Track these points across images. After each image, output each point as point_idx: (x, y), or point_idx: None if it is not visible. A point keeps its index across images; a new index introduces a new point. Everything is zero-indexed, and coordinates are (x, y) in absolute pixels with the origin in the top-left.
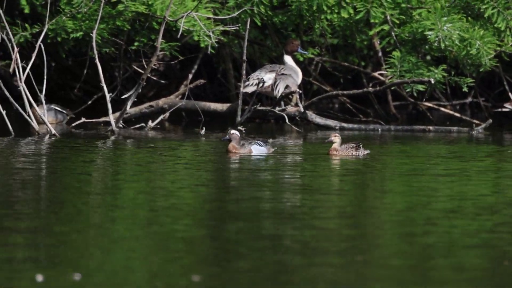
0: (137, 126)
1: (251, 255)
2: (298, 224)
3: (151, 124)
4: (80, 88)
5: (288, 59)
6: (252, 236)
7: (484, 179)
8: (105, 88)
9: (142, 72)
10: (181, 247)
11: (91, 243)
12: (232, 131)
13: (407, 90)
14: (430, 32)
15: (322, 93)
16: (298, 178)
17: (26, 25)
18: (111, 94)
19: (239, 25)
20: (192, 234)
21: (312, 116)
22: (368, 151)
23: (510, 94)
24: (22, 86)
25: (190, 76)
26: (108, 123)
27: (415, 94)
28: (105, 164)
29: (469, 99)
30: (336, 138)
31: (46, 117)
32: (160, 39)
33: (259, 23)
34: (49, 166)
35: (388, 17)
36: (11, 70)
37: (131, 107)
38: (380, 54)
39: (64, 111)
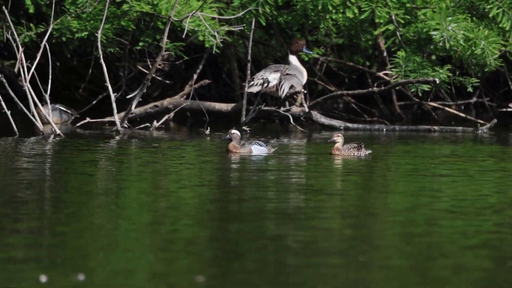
0: (142, 126)
1: (254, 256)
2: (300, 225)
3: (156, 124)
4: (85, 88)
5: (293, 59)
6: (255, 236)
7: (488, 179)
8: (110, 88)
9: (147, 72)
10: (184, 248)
11: (95, 244)
12: (233, 131)
13: (412, 90)
14: (435, 32)
15: (327, 93)
16: (300, 178)
17: (31, 25)
18: (116, 94)
19: (244, 25)
20: (195, 234)
21: (317, 116)
22: (369, 151)
23: None
24: (27, 86)
25: (195, 76)
26: (113, 123)
27: (420, 94)
28: (109, 164)
29: (474, 99)
30: (338, 138)
31: (51, 117)
32: (165, 39)
33: (264, 23)
34: (53, 166)
35: (393, 17)
36: (16, 70)
37: (136, 107)
38: (385, 54)
39: (69, 111)
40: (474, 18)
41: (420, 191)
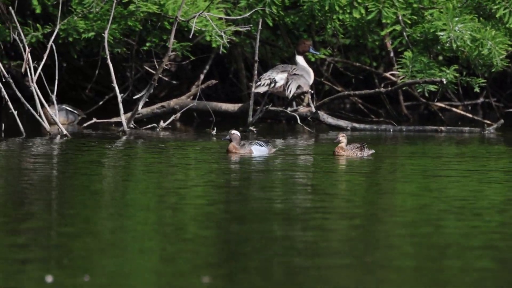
0: (149, 126)
1: (260, 256)
2: (306, 225)
3: (162, 124)
4: (91, 89)
5: (300, 59)
6: (261, 237)
7: (495, 179)
8: (116, 88)
9: (154, 72)
10: (190, 248)
11: (100, 244)
12: (233, 132)
13: (419, 91)
14: (442, 33)
15: (334, 94)
16: (304, 178)
17: (38, 25)
18: (122, 94)
19: (251, 25)
20: (201, 235)
21: (323, 116)
22: (372, 151)
23: None
24: (34, 87)
25: (202, 76)
26: (119, 124)
27: (427, 95)
28: (116, 164)
29: (481, 100)
30: (343, 138)
31: (57, 118)
32: (172, 40)
33: (270, 24)
34: (60, 167)
35: (400, 17)
36: (22, 70)
37: (142, 107)
38: (392, 54)
39: (75, 112)
40: (481, 18)
41: (427, 192)
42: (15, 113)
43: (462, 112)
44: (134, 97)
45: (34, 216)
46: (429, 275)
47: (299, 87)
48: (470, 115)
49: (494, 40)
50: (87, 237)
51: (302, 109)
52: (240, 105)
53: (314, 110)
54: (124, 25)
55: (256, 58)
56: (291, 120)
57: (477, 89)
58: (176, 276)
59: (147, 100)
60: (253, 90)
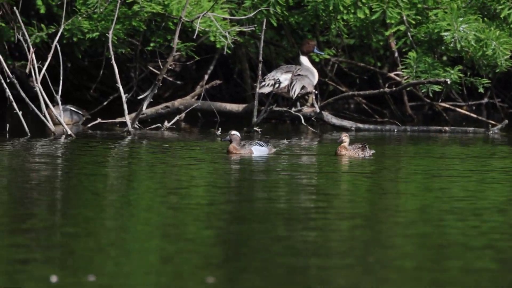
0: (153, 126)
1: (265, 257)
2: (309, 226)
3: (167, 124)
4: (96, 89)
5: (304, 59)
6: (265, 237)
7: (499, 179)
8: (121, 88)
9: (158, 72)
10: (193, 248)
11: (105, 245)
12: (233, 132)
13: (423, 91)
14: (446, 33)
15: (338, 94)
16: (307, 179)
17: (42, 25)
18: (127, 94)
19: (255, 25)
20: (203, 235)
21: (328, 116)
22: (373, 151)
23: None
24: (38, 87)
25: (206, 76)
26: (124, 124)
27: (431, 95)
28: (120, 165)
29: (485, 100)
30: (346, 138)
31: (62, 118)
32: (176, 40)
33: (275, 24)
34: (65, 167)
35: (404, 18)
36: (27, 70)
37: (147, 107)
38: (396, 54)
39: (80, 112)
40: (485, 18)
41: (429, 192)
42: (20, 113)
43: (467, 113)
44: (139, 97)
45: (38, 216)
46: (430, 275)
47: (303, 87)
48: (474, 116)
49: (498, 40)
50: (91, 237)
51: (306, 110)
52: (244, 105)
53: (318, 110)
54: (128, 25)
55: (260, 58)
56: (295, 121)
57: (481, 90)
58: (178, 276)
59: (151, 100)
60: (258, 90)
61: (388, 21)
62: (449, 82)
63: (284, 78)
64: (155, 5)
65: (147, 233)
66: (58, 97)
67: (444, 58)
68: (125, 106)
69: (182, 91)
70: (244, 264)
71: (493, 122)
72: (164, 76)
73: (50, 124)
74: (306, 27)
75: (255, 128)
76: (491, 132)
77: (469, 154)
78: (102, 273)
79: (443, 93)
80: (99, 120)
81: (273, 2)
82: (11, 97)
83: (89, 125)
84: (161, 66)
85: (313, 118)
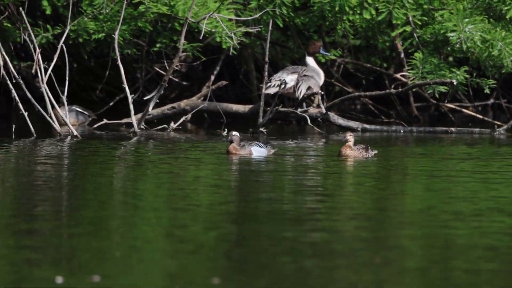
0: (159, 127)
1: (270, 258)
2: (315, 226)
3: (173, 125)
4: (102, 90)
5: (310, 60)
6: (271, 238)
7: (505, 180)
8: (127, 89)
9: (164, 73)
10: (200, 250)
11: (110, 245)
12: (234, 133)
13: (429, 92)
14: (452, 34)
15: (344, 95)
16: (312, 179)
17: (48, 26)
18: (133, 95)
19: (261, 26)
20: (210, 236)
21: (334, 117)
22: (375, 151)
23: None
24: (44, 87)
25: (212, 77)
26: (130, 125)
27: (437, 96)
28: (126, 165)
29: (491, 101)
30: (351, 137)
31: (68, 119)
32: (182, 40)
33: (281, 24)
34: (70, 168)
35: (410, 18)
36: (33, 71)
37: (153, 108)
38: (402, 55)
39: (86, 113)
40: (491, 19)
41: (434, 193)
42: (26, 114)
43: (472, 113)
44: (145, 98)
45: (44, 217)
46: (435, 275)
47: (309, 88)
48: (480, 116)
49: (504, 41)
50: (95, 238)
51: (312, 110)
52: (250, 106)
53: (324, 111)
54: (134, 26)
55: (266, 59)
56: (301, 121)
57: (487, 90)
58: (183, 277)
59: (157, 101)
60: (263, 91)
61: (394, 22)
62: (455, 83)
63: (290, 79)
64: (161, 5)
65: (152, 234)
66: (64, 98)
67: (450, 59)
68: (131, 107)
69: (188, 92)
70: (249, 265)
71: (499, 123)
72: (170, 77)
73: (56, 125)
74: (312, 28)
75: (261, 129)
76: (497, 132)
77: (475, 155)
78: (107, 274)
79: (449, 94)
80: (105, 121)
81: (279, 3)
82: (17, 97)
83: (95, 126)
84: (167, 67)
85: (319, 119)
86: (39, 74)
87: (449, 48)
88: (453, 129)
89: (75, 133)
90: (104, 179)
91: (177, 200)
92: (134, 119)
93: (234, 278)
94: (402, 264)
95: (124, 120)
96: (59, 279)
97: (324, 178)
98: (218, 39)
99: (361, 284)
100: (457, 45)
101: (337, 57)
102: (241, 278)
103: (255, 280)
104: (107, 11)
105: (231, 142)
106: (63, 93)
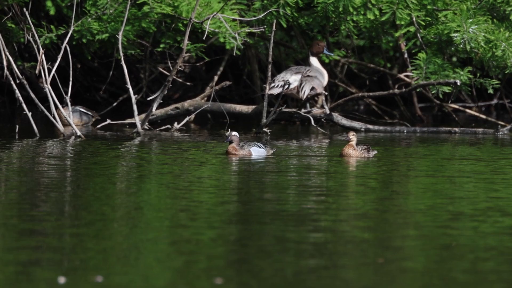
0: (163, 128)
1: (273, 258)
2: (318, 227)
3: (176, 126)
4: (105, 90)
5: (313, 60)
6: (273, 238)
7: (506, 180)
8: (130, 89)
9: (168, 73)
10: (202, 249)
11: (113, 246)
12: (233, 133)
13: (433, 92)
14: (455, 34)
15: (348, 95)
16: (315, 180)
17: (52, 26)
18: (136, 95)
19: (265, 26)
20: (214, 236)
21: (337, 118)
22: (375, 152)
23: None
24: (48, 88)
25: (216, 78)
26: (133, 125)
27: (441, 96)
28: (129, 166)
29: (495, 101)
30: (353, 137)
31: (71, 119)
32: (186, 41)
33: (284, 25)
34: (74, 168)
35: (414, 19)
36: (36, 71)
37: (156, 109)
38: (406, 55)
39: (89, 113)
40: (494, 20)
41: (438, 193)
42: (29, 114)
43: (476, 114)
44: (148, 99)
45: (47, 217)
46: (441, 277)
47: (313, 88)
48: (483, 117)
49: (508, 41)
50: (100, 239)
51: (316, 111)
52: (254, 106)
53: (328, 111)
54: (138, 27)
55: (270, 59)
56: (305, 122)
57: (490, 91)
58: (186, 277)
59: (161, 101)
60: (267, 91)
61: (398, 22)
62: (458, 83)
63: (293, 79)
64: (165, 6)
65: (155, 234)
66: (68, 98)
67: (454, 59)
68: (134, 107)
69: (191, 92)
70: (253, 265)
71: (502, 123)
72: (174, 77)
73: (60, 125)
74: (316, 28)
75: (265, 129)
76: (500, 133)
77: (478, 155)
78: (110, 274)
79: (452, 94)
80: (108, 121)
81: (282, 3)
82: (20, 98)
83: (99, 126)
84: (170, 67)
85: (322, 120)
86: (42, 75)
87: (452, 49)
88: (456, 129)
89: (79, 133)
90: (107, 180)
91: (179, 201)
92: (137, 119)
93: (237, 278)
94: (404, 264)
95: (128, 121)
96: (62, 279)
97: (326, 178)
98: (221, 40)
99: (363, 284)
100: (461, 46)
101: (340, 58)
102: (244, 278)
103: (259, 280)
104: (111, 11)
105: (231, 142)
106: (66, 93)
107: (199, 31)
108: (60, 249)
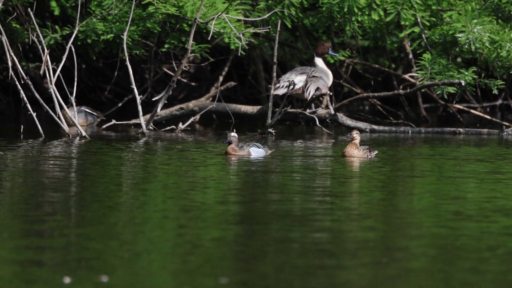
0: (168, 128)
1: (278, 258)
2: (322, 227)
3: (181, 126)
4: (110, 90)
5: (318, 61)
6: (278, 238)
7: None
8: (135, 90)
9: (173, 74)
10: (206, 250)
11: (118, 245)
12: (233, 134)
13: (438, 92)
14: (460, 35)
15: (353, 95)
16: (318, 180)
17: (57, 27)
18: (141, 96)
19: (270, 27)
20: (218, 236)
21: (342, 118)
22: (376, 152)
23: None
24: (53, 88)
25: (221, 78)
26: (138, 125)
27: (446, 96)
28: (134, 166)
29: (500, 101)
30: (357, 136)
31: (76, 119)
32: (190, 41)
33: (289, 25)
34: (79, 168)
35: (419, 19)
36: (41, 72)
37: (161, 109)
38: (410, 56)
39: (94, 113)
40: (499, 20)
41: (441, 193)
42: (34, 115)
43: (481, 114)
44: (153, 99)
45: (52, 217)
46: (445, 277)
47: (318, 89)
48: (488, 117)
49: None
50: (104, 238)
51: (321, 111)
52: (259, 107)
53: (332, 112)
54: (142, 27)
55: (275, 60)
56: (310, 122)
57: (495, 91)
58: (191, 277)
59: (166, 102)
60: (272, 92)
61: (402, 22)
62: (463, 84)
63: (298, 79)
64: (169, 6)
65: (160, 234)
66: (73, 99)
67: (459, 59)
68: (139, 107)
69: (196, 92)
70: (257, 264)
71: (507, 124)
72: (179, 77)
73: (65, 126)
74: (320, 29)
75: (270, 130)
76: (505, 133)
77: (483, 156)
78: (115, 274)
79: (457, 94)
80: (113, 121)
81: (287, 4)
82: (25, 98)
83: (104, 126)
84: (175, 67)
85: (327, 120)
86: (47, 75)
87: (457, 49)
88: (461, 129)
89: (84, 133)
90: (112, 180)
91: (184, 201)
92: (142, 120)
93: (242, 278)
94: (407, 265)
95: (133, 121)
96: (67, 279)
97: (329, 178)
98: (226, 40)
99: (366, 284)
100: (466, 46)
101: (345, 58)
102: (249, 278)
103: (263, 280)
104: (116, 12)
105: (230, 143)
106: (71, 93)
107: (204, 31)
108: (65, 249)
